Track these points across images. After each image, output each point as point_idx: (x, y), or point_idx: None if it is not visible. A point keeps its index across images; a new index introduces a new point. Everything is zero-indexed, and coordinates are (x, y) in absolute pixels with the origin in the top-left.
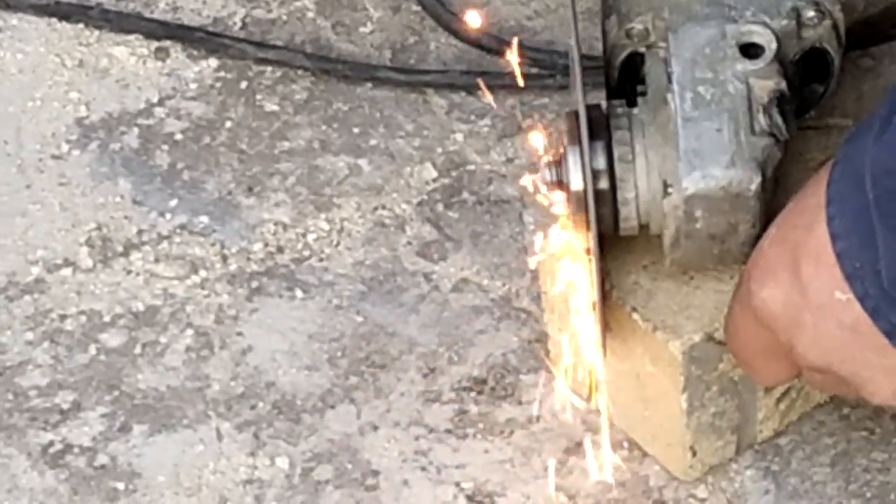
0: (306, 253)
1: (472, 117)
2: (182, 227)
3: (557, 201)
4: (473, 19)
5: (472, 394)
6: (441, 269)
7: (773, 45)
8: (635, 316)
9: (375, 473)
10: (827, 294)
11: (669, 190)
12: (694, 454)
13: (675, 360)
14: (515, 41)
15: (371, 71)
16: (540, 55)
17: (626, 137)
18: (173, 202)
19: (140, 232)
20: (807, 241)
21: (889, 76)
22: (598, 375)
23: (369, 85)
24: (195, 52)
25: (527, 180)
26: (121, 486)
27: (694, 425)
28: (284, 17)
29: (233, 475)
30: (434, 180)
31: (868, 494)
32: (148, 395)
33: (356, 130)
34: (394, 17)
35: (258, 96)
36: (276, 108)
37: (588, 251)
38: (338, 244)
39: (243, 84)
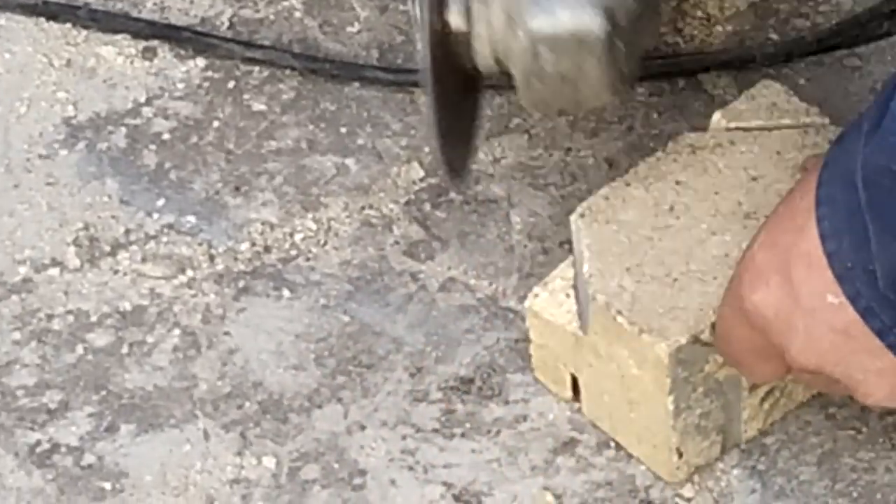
0: (293, 252)
1: None
2: (169, 226)
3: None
4: None
5: (459, 393)
6: (428, 269)
7: None
8: (620, 319)
9: (363, 473)
10: (819, 298)
11: (516, 27)
12: (680, 455)
13: (661, 362)
14: None
15: (358, 70)
16: None
17: None
18: (160, 202)
19: (127, 231)
20: (797, 245)
21: (876, 76)
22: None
23: (357, 84)
24: (183, 52)
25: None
26: (108, 485)
27: (680, 427)
28: (272, 17)
29: (220, 475)
30: (421, 180)
31: (854, 494)
32: (135, 395)
33: (343, 130)
34: (381, 17)
35: (245, 96)
36: (263, 107)
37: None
38: (325, 244)
39: (231, 84)
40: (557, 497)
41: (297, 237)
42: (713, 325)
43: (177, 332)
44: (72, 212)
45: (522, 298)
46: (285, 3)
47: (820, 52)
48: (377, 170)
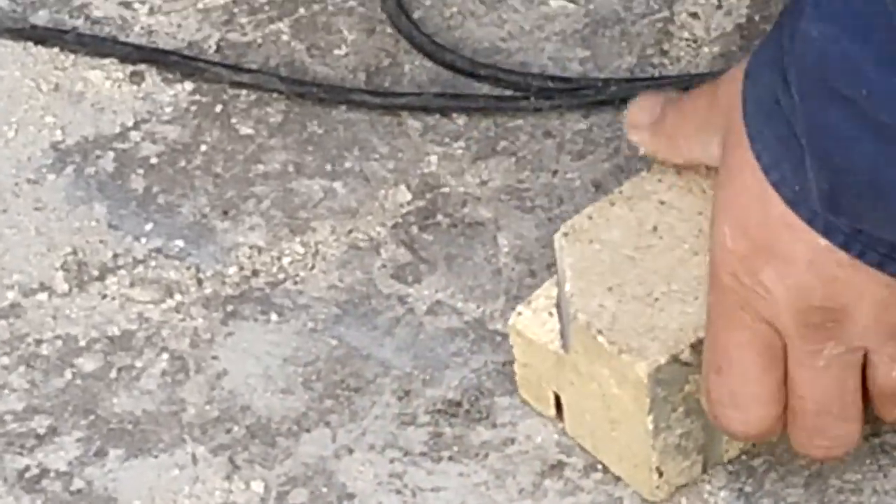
0: (281, 276)
1: (447, 140)
2: (157, 250)
3: None
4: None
5: (447, 416)
6: (416, 292)
7: None
8: (600, 338)
9: (351, 497)
10: (815, 245)
11: None
12: (661, 475)
13: (640, 381)
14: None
15: (346, 94)
16: (514, 77)
17: None
18: (148, 226)
19: (115, 256)
20: (768, 223)
21: None
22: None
23: (344, 108)
24: (170, 76)
25: None
26: None
27: (660, 446)
28: (259, 41)
29: (208, 499)
30: (408, 203)
31: None
32: (124, 420)
33: (331, 153)
34: (368, 40)
35: (233, 119)
36: (250, 131)
37: None
38: (313, 267)
39: (218, 107)
40: None
41: (285, 261)
42: (693, 346)
43: (165, 356)
44: (60, 236)
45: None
46: (272, 27)
47: None
48: (364, 193)
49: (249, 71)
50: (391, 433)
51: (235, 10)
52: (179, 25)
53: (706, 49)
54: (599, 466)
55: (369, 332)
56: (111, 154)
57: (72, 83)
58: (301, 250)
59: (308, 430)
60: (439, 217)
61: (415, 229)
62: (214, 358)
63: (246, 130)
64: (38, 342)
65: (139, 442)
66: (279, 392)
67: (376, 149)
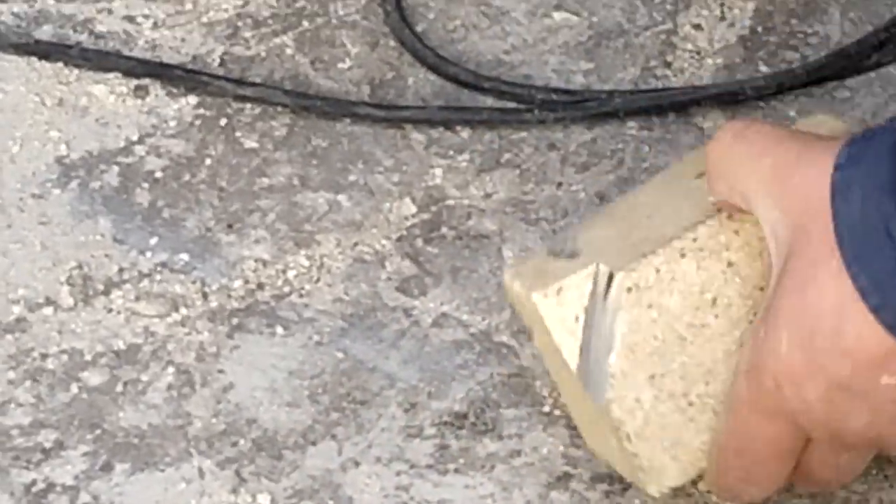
0: (286, 289)
1: (451, 152)
2: (162, 264)
3: None
4: (451, 54)
5: (453, 429)
6: (421, 305)
7: None
8: (626, 443)
9: None
10: (873, 384)
11: None
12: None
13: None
14: None
15: (350, 107)
16: (518, 90)
17: None
18: (153, 240)
19: (121, 270)
20: (836, 348)
21: (865, 107)
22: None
23: (348, 121)
24: (174, 90)
25: None
26: None
27: None
28: (263, 54)
29: None
30: (413, 216)
31: None
32: (130, 434)
33: (335, 166)
34: (372, 53)
35: (237, 133)
36: (255, 144)
37: None
38: (318, 280)
39: (223, 121)
40: None
41: (290, 274)
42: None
43: (171, 370)
44: (65, 251)
45: (515, 333)
46: (276, 41)
47: (810, 84)
48: (369, 206)
49: (253, 84)
50: (397, 446)
51: (239, 23)
52: (183, 39)
53: (710, 60)
54: (606, 478)
55: (375, 345)
56: (116, 168)
57: (76, 98)
58: (306, 263)
59: (314, 443)
60: (444, 230)
61: (420, 242)
62: (220, 371)
63: (250, 144)
64: (44, 356)
65: (145, 456)
66: (285, 405)
67: (381, 162)
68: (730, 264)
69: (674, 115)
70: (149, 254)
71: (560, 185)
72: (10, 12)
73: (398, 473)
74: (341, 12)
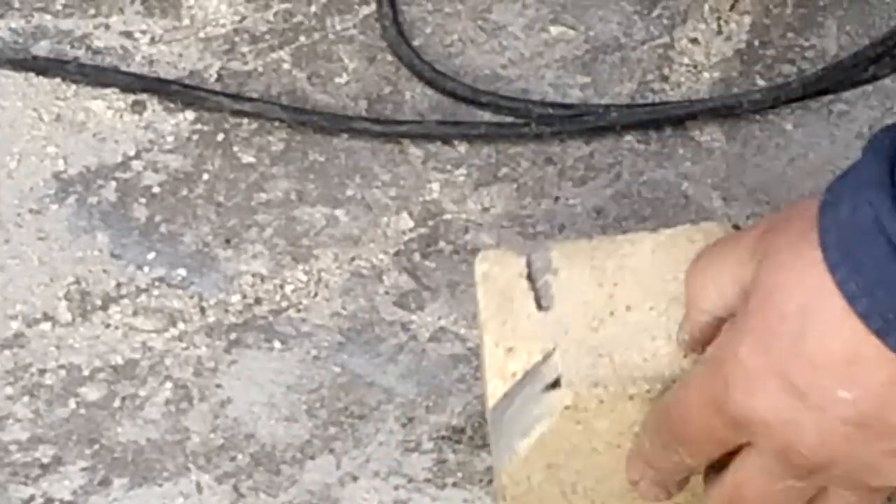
0: (284, 304)
1: (448, 167)
2: (160, 279)
3: None
4: (448, 69)
5: (451, 443)
6: (419, 319)
7: None
8: (502, 501)
9: None
10: (828, 395)
11: None
12: None
13: None
14: None
15: (347, 122)
16: (515, 104)
17: None
18: (151, 255)
19: (118, 285)
20: (795, 350)
21: (862, 120)
22: None
23: (345, 136)
24: (172, 105)
25: None
26: None
27: None
28: (260, 69)
29: None
30: (411, 230)
31: None
32: (128, 449)
33: (333, 181)
34: (369, 68)
35: (235, 148)
36: (252, 159)
37: None
38: (315, 295)
39: (220, 136)
40: None
41: (288, 289)
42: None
43: (169, 385)
44: (63, 266)
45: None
46: (273, 56)
47: (807, 97)
48: (366, 221)
49: (251, 100)
50: (395, 460)
51: (236, 39)
52: (180, 55)
53: (706, 74)
54: None
55: (372, 360)
56: (113, 183)
57: (73, 113)
58: (304, 278)
59: (312, 458)
60: (441, 244)
61: (417, 256)
62: (218, 386)
63: (248, 159)
64: (42, 372)
65: (143, 471)
66: (283, 420)
67: (378, 176)
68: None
69: (671, 129)
70: (146, 269)
71: (557, 199)
72: (8, 28)
73: (396, 488)
74: (338, 27)
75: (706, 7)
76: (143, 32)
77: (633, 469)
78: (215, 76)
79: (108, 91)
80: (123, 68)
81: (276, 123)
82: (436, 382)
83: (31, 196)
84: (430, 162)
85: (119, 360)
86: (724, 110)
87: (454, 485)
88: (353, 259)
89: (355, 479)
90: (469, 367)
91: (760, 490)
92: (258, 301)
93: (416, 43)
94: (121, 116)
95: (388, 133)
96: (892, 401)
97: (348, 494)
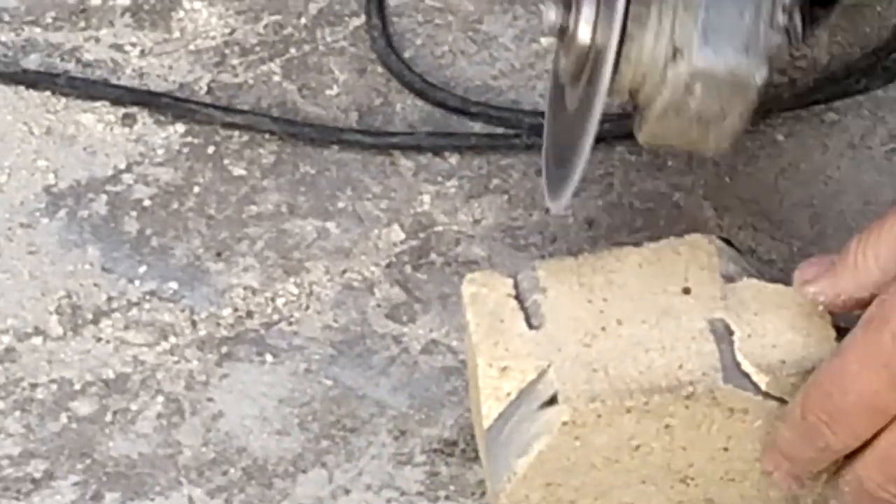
0: (276, 317)
1: (440, 178)
2: (151, 293)
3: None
4: (438, 80)
5: (444, 456)
6: (410, 331)
7: None
8: None
9: None
10: None
11: (679, 57)
12: None
13: None
14: None
15: (338, 134)
16: (506, 115)
17: None
18: (142, 269)
19: (110, 299)
20: None
21: (853, 130)
22: None
23: (336, 148)
24: (162, 118)
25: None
26: None
27: None
28: (250, 82)
29: None
30: (402, 242)
31: None
32: (120, 463)
33: (324, 194)
34: (359, 80)
35: (226, 161)
36: (243, 172)
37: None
38: (307, 308)
39: (210, 149)
40: None
41: (279, 302)
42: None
43: (160, 399)
44: (54, 280)
45: None
46: (264, 68)
47: (798, 107)
48: (358, 233)
49: (241, 112)
50: (388, 473)
51: (227, 51)
52: (171, 67)
53: None
54: None
55: (364, 372)
56: (104, 197)
57: (64, 126)
58: (295, 291)
59: (304, 471)
60: (433, 256)
61: (409, 268)
62: (210, 400)
63: (238, 171)
64: (33, 386)
65: (135, 485)
66: (275, 433)
67: (369, 188)
68: (667, 426)
69: None
70: (137, 282)
71: (549, 210)
72: None
73: (389, 501)
74: (328, 39)
75: None
76: (134, 45)
77: (768, 460)
78: (206, 89)
79: (98, 104)
80: (114, 81)
81: (267, 136)
82: (428, 395)
83: (21, 210)
84: (421, 174)
85: (110, 374)
86: None
87: (447, 498)
88: (344, 272)
89: (347, 492)
90: (461, 380)
91: None
92: (249, 314)
93: (406, 54)
94: (111, 129)
95: (379, 145)
96: None
97: None
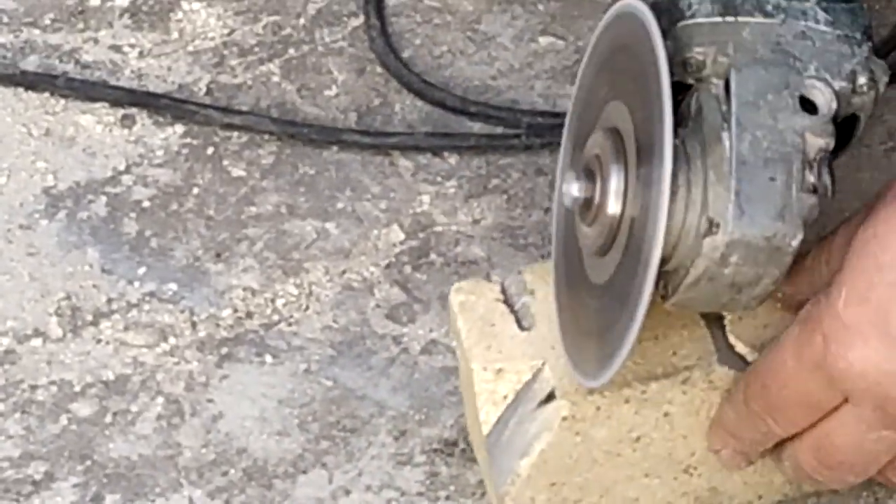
0: (275, 318)
1: (439, 178)
2: (151, 294)
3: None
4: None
5: (443, 456)
6: (410, 332)
7: (833, 105)
8: None
9: None
10: None
11: (715, 229)
12: None
13: None
14: None
15: (337, 134)
16: (505, 114)
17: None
18: (142, 270)
19: (109, 300)
20: (895, 301)
21: None
22: None
23: (335, 148)
24: (161, 119)
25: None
26: None
27: None
28: (249, 82)
29: None
30: (401, 242)
31: None
32: (120, 465)
33: (323, 194)
34: (358, 80)
35: (225, 162)
36: (242, 173)
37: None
38: (307, 308)
39: (210, 150)
40: None
41: (279, 302)
42: None
43: (160, 400)
44: (53, 282)
45: None
46: (262, 68)
47: None
48: (357, 233)
49: (240, 113)
50: (388, 473)
51: (225, 52)
52: (170, 68)
53: None
54: None
55: (364, 373)
56: (103, 198)
57: (63, 128)
58: (295, 292)
59: (305, 472)
60: (432, 256)
61: (408, 269)
62: (210, 401)
63: (238, 172)
64: (34, 388)
65: (136, 486)
66: (275, 434)
67: (368, 189)
68: (666, 414)
69: None
70: (137, 284)
71: (548, 210)
72: None
73: (389, 501)
74: (327, 39)
75: None
76: (132, 46)
77: (715, 438)
78: (205, 89)
79: (97, 105)
80: (113, 82)
81: (266, 136)
82: (427, 395)
83: (21, 211)
84: (420, 174)
85: (110, 376)
86: None
87: (447, 498)
88: (343, 272)
89: (348, 492)
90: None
91: (852, 439)
92: (249, 315)
93: (405, 54)
94: (110, 131)
95: (378, 145)
96: None
97: None
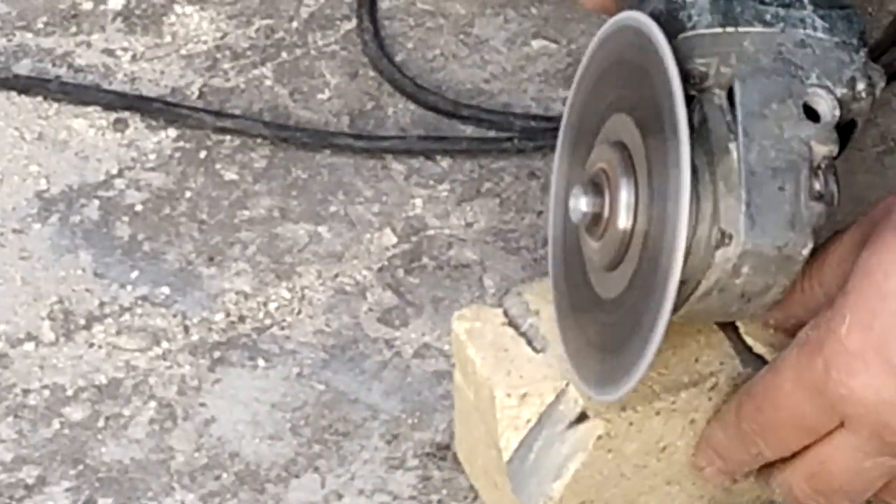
0: (268, 322)
1: (431, 182)
2: (143, 298)
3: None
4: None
5: (436, 459)
6: (403, 335)
7: (836, 112)
8: None
9: None
10: None
11: (727, 241)
12: None
13: None
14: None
15: (329, 138)
16: (497, 118)
17: None
18: (134, 274)
19: (102, 304)
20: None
21: None
22: None
23: (328, 152)
24: (154, 123)
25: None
26: None
27: None
28: (242, 86)
29: None
30: (394, 246)
31: None
32: (112, 469)
33: (316, 198)
34: (351, 84)
35: (217, 165)
36: (235, 176)
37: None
38: (299, 312)
39: (202, 153)
40: None
41: (272, 306)
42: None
43: (153, 404)
44: (46, 286)
45: None
46: (255, 72)
47: None
48: (350, 237)
49: (233, 116)
50: (380, 477)
51: (218, 55)
52: (162, 72)
53: None
54: None
55: (357, 377)
56: (96, 202)
57: (56, 132)
58: (287, 295)
59: (297, 476)
60: (425, 260)
61: (401, 272)
62: (202, 405)
63: (230, 176)
64: (26, 392)
65: (128, 490)
66: (267, 438)
67: (361, 192)
68: (692, 422)
69: None
70: (129, 287)
71: (541, 213)
72: None
73: None
74: (320, 43)
75: None
76: (125, 50)
77: (701, 456)
78: (197, 93)
79: (90, 109)
80: (105, 86)
81: (259, 140)
82: (420, 399)
83: (13, 215)
84: (412, 177)
85: (103, 380)
86: None
87: (439, 502)
88: (336, 276)
89: (340, 497)
90: (453, 384)
91: (848, 466)
92: (242, 319)
93: (397, 58)
94: (103, 135)
95: (371, 149)
96: None
97: None
